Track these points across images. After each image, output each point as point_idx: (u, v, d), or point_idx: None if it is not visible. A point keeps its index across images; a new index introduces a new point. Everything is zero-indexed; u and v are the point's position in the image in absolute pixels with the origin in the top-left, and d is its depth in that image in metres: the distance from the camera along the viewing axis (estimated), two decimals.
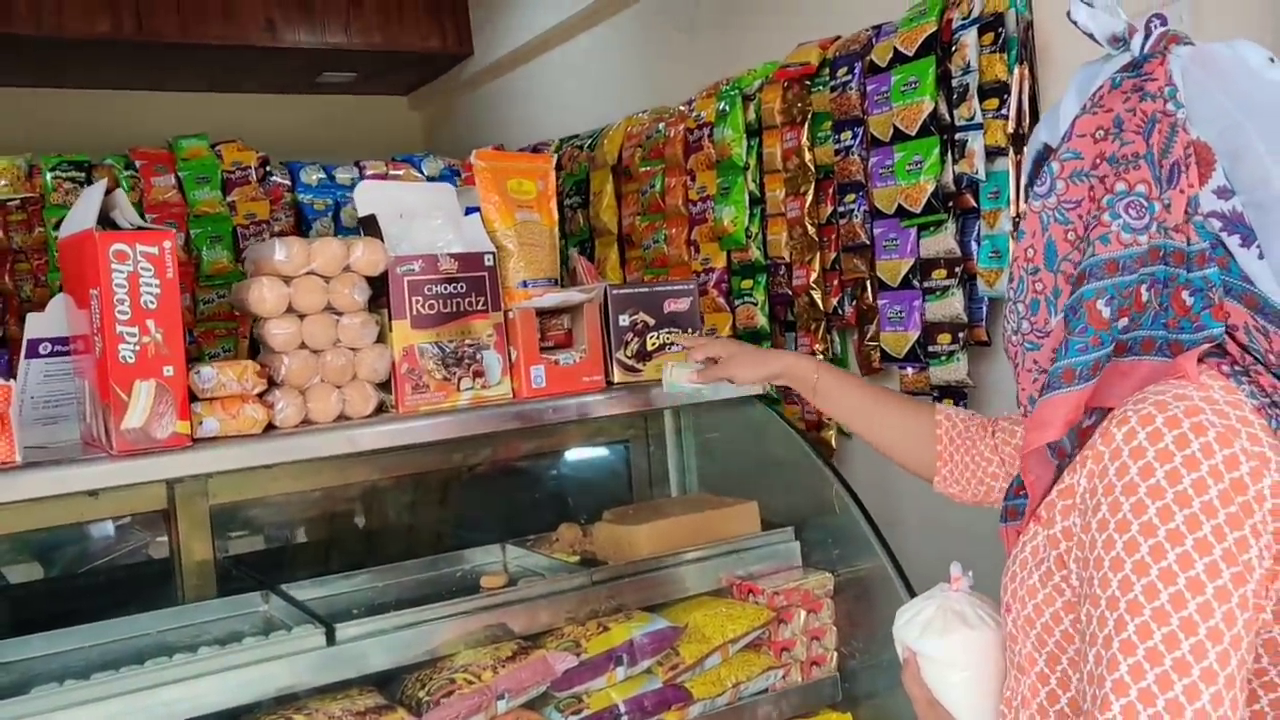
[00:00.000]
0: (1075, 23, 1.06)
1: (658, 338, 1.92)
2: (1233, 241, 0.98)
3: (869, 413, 1.48)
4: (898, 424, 1.47)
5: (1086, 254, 0.98)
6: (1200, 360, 0.98)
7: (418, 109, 5.31)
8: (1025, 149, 1.18)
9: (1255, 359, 0.97)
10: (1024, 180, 1.16)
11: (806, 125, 2.87)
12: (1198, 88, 0.99)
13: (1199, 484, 0.88)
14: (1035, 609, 1.03)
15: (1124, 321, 0.99)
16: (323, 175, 4.09)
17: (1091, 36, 1.06)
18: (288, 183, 4.02)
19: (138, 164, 3.80)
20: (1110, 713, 0.86)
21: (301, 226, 4.06)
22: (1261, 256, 0.97)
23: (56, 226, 3.67)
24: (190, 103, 4.59)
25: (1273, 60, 1.02)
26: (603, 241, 3.70)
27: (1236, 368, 0.97)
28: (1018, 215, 2.35)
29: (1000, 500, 1.42)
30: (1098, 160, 1.00)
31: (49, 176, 3.69)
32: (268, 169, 4.00)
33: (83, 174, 3.73)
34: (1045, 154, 1.08)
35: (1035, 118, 2.35)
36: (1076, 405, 0.97)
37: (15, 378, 1.58)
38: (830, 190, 2.83)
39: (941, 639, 1.16)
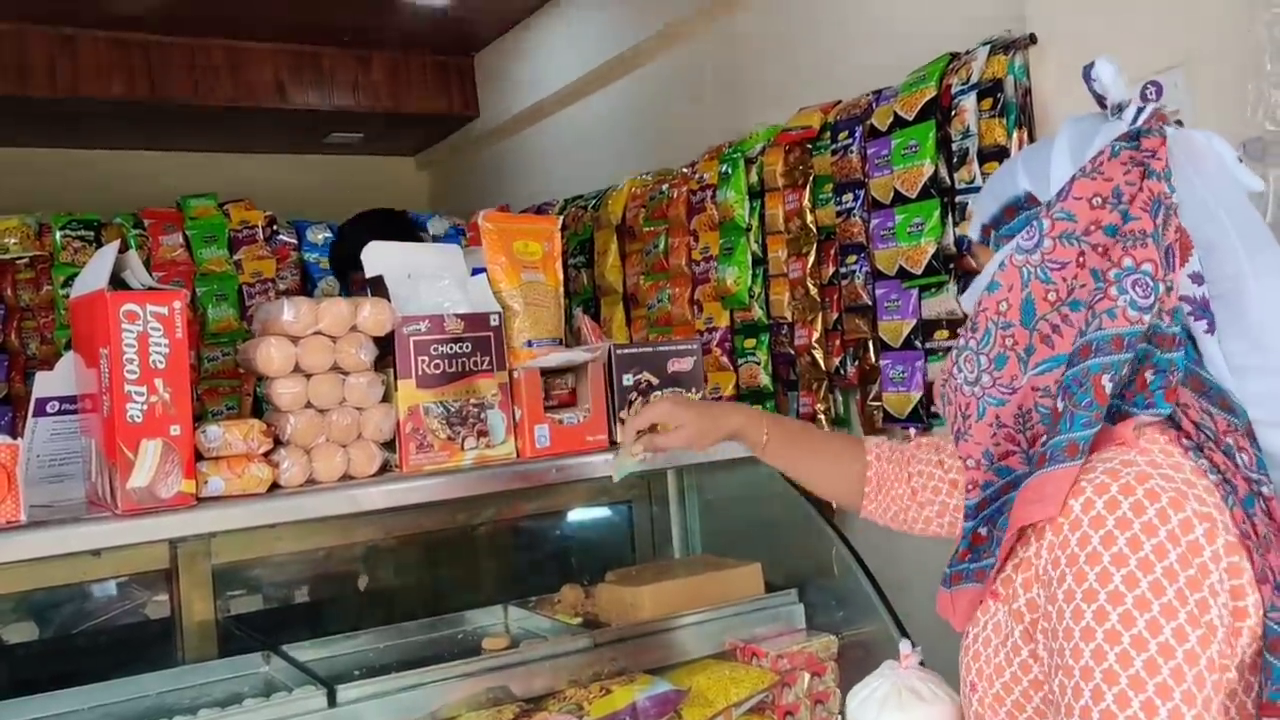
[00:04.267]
0: (1095, 79, 1.06)
1: (661, 397, 1.92)
2: (1198, 327, 1.02)
3: (810, 468, 1.54)
4: (832, 474, 1.52)
5: (1091, 327, 0.98)
6: (1156, 424, 1.00)
7: (424, 169, 5.38)
8: (987, 186, 1.15)
9: (1207, 437, 0.99)
10: (981, 219, 1.14)
11: (808, 187, 2.91)
12: (1180, 174, 1.01)
13: (1159, 549, 0.90)
14: (1004, 686, 1.02)
15: None
16: (329, 234, 4.13)
17: (1102, 99, 1.06)
18: (294, 241, 4.06)
19: (146, 223, 3.85)
20: None
21: (307, 285, 4.10)
22: (1219, 343, 1.00)
23: (65, 285, 3.71)
24: (199, 163, 4.65)
25: (1240, 160, 1.06)
26: (608, 300, 3.72)
27: (1191, 442, 0.99)
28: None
29: (914, 527, 1.48)
30: (1091, 227, 1.01)
31: (58, 235, 3.73)
32: (274, 228, 4.05)
33: (92, 233, 3.78)
34: (1024, 201, 1.08)
35: None
36: (1074, 480, 0.96)
37: (21, 435, 1.58)
38: (832, 251, 2.86)
39: (901, 714, 1.18)
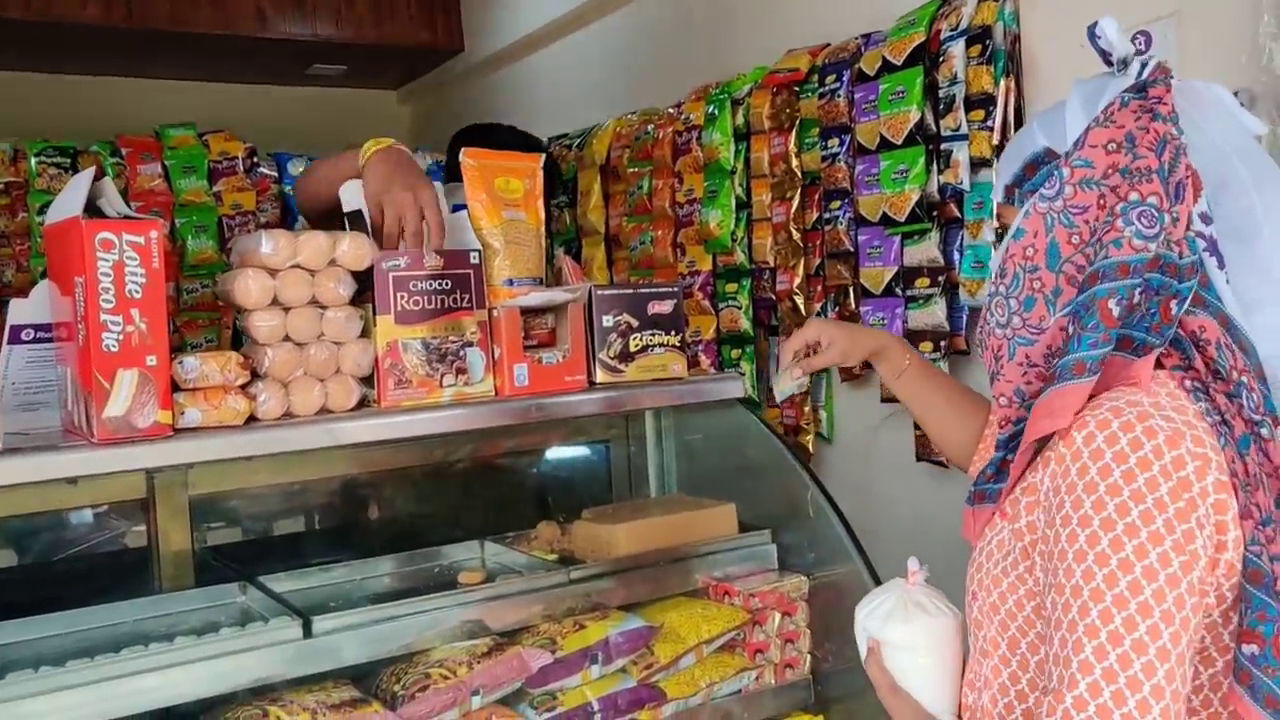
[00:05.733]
0: (1099, 36, 1.12)
1: (641, 339, 1.93)
2: (1211, 263, 1.09)
3: (931, 405, 1.52)
4: (958, 425, 1.51)
5: (1099, 256, 1.04)
6: (1165, 369, 1.07)
7: (407, 104, 5.31)
8: (1008, 149, 1.22)
9: (1218, 374, 1.05)
10: (1004, 180, 1.21)
11: (794, 131, 2.89)
12: (1186, 118, 1.08)
13: (1151, 482, 0.97)
14: (1000, 596, 1.11)
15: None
16: None
17: (1107, 55, 1.12)
18: (274, 174, 4.01)
19: (124, 151, 3.79)
20: (1077, 690, 0.95)
21: (287, 218, 4.06)
22: (1227, 282, 1.08)
23: (40, 212, 3.66)
24: (178, 91, 4.57)
25: (1241, 105, 1.13)
26: (590, 241, 3.71)
27: (1197, 384, 1.06)
28: (1000, 226, 2.37)
29: None
30: (1109, 170, 1.07)
31: (34, 162, 3.68)
32: (255, 160, 4.00)
33: (68, 160, 3.72)
34: (1043, 157, 1.14)
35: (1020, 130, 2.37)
36: (1084, 396, 1.03)
37: None
38: (816, 196, 2.85)
39: (904, 626, 1.23)
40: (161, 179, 3.78)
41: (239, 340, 1.74)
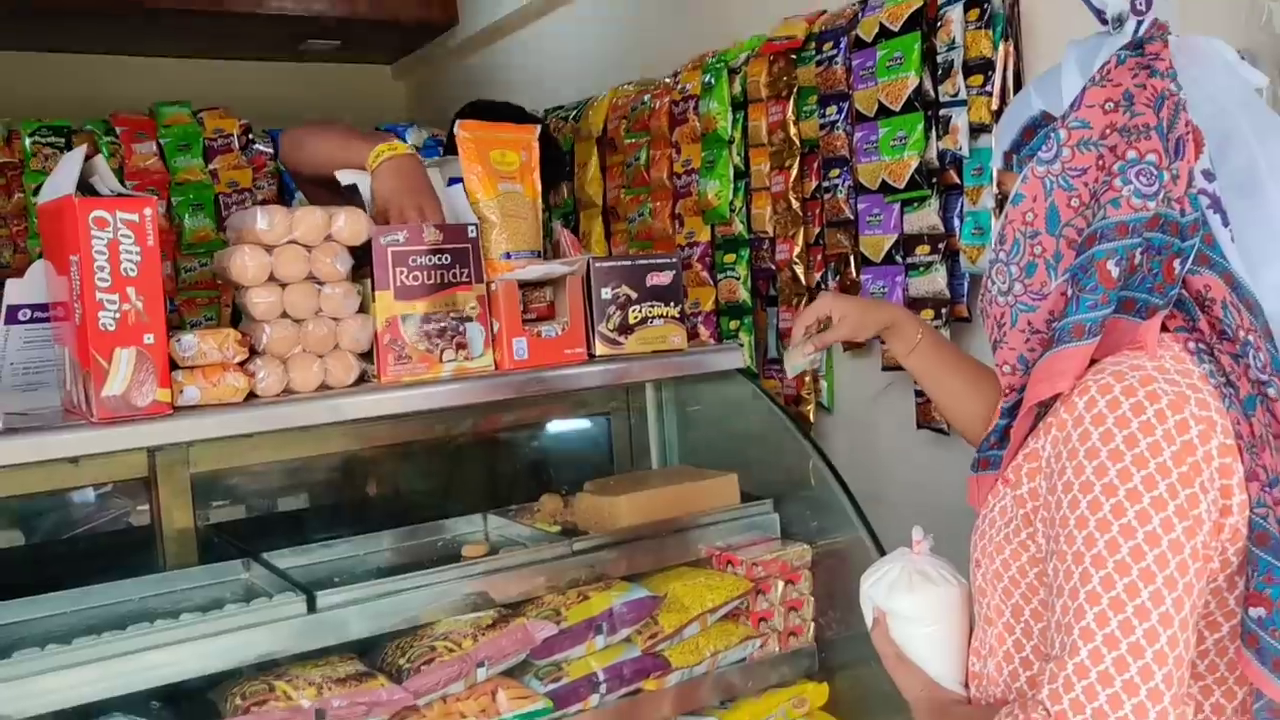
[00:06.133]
0: None
1: (640, 311, 1.92)
2: (1215, 220, 1.07)
3: (945, 381, 1.49)
4: (971, 399, 1.48)
5: (1097, 217, 1.03)
6: (1169, 331, 1.05)
7: (402, 78, 5.28)
8: (1005, 115, 1.21)
9: (1224, 334, 1.04)
10: (1003, 146, 1.20)
11: (792, 99, 2.87)
12: (1185, 74, 1.06)
13: (1154, 447, 0.96)
14: (1003, 563, 1.11)
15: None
16: None
17: (1101, 13, 1.11)
18: (270, 150, 4.00)
19: (118, 130, 3.78)
20: (1079, 657, 0.95)
21: (284, 195, 4.05)
22: (1232, 240, 1.06)
23: (36, 192, 3.64)
24: (172, 68, 4.54)
25: (1242, 59, 1.12)
26: (587, 214, 3.69)
27: (1201, 346, 1.04)
28: (999, 193, 2.36)
29: None
30: (1107, 130, 1.05)
31: (28, 142, 3.67)
32: (250, 137, 3.98)
33: (62, 139, 3.71)
34: (1040, 120, 1.13)
35: None
36: (1085, 359, 1.02)
37: None
38: (815, 165, 2.83)
39: (909, 596, 1.22)
40: (157, 157, 3.77)
41: (238, 319, 1.74)
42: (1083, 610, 0.96)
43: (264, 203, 3.98)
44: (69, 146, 3.69)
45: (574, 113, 3.79)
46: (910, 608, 1.22)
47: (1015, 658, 1.12)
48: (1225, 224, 1.07)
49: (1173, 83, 1.04)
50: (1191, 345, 1.04)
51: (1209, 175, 1.06)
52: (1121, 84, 1.05)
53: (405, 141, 3.92)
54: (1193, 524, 0.96)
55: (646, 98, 3.39)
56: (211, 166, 3.86)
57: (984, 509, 1.16)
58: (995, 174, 1.22)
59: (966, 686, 1.20)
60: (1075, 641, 0.95)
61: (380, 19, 4.53)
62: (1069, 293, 1.05)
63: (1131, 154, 1.02)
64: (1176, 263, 1.03)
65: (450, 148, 2.56)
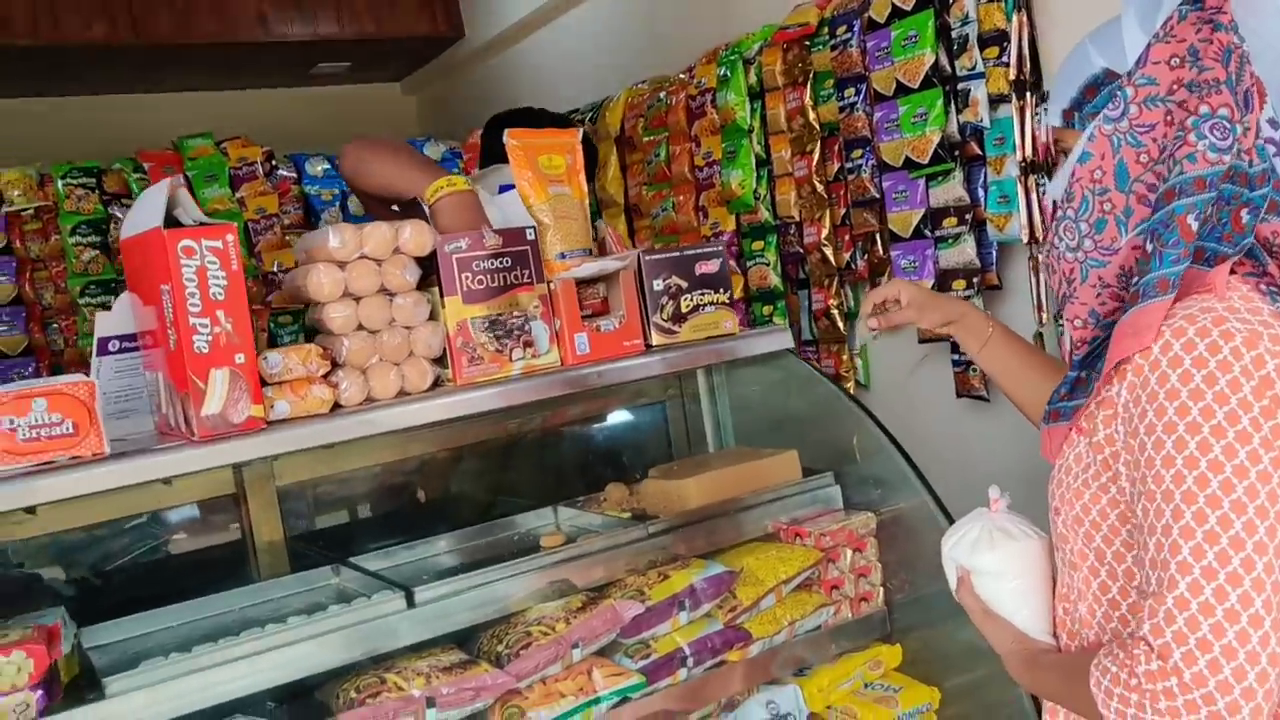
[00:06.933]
0: None
1: (691, 299, 1.99)
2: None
3: (1022, 378, 1.48)
4: (1045, 391, 1.45)
5: (1174, 172, 1.05)
6: (1238, 275, 1.08)
7: (412, 94, 5.35)
8: (1061, 72, 1.21)
9: None
10: (1061, 104, 1.20)
11: (809, 85, 2.93)
12: (1245, 26, 1.08)
13: (1233, 383, 0.99)
14: (1083, 508, 1.14)
15: None
16: (327, 166, 4.14)
17: None
18: (294, 175, 4.07)
19: (146, 166, 3.85)
20: (1178, 590, 0.98)
21: (310, 218, 4.12)
22: None
23: (73, 234, 3.73)
24: (189, 102, 4.62)
25: None
26: (609, 213, 3.76)
27: (1272, 288, 1.07)
28: (1024, 159, 2.42)
29: None
30: (1174, 86, 1.08)
31: (60, 184, 3.74)
32: (273, 163, 4.05)
33: (93, 180, 3.79)
34: (1103, 78, 1.15)
35: (1036, 63, 2.41)
36: (1165, 312, 1.05)
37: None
38: (836, 147, 2.90)
39: (992, 553, 1.26)
40: (185, 190, 3.84)
41: (310, 336, 1.81)
42: (1177, 545, 0.98)
43: (291, 227, 4.06)
44: (100, 187, 3.77)
45: (589, 115, 3.86)
46: (994, 563, 1.25)
47: (1104, 599, 1.15)
48: None
49: (1235, 35, 1.06)
50: (1263, 287, 1.07)
51: (1275, 123, 1.08)
52: (1186, 39, 1.07)
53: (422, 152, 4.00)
54: (1278, 454, 0.98)
55: (662, 94, 3.46)
56: (238, 195, 3.93)
57: (1059, 458, 1.20)
58: (1052, 131, 1.23)
59: (1055, 636, 1.23)
60: (1172, 576, 0.98)
61: (387, 37, 4.61)
62: (1150, 248, 1.07)
63: (1204, 109, 1.04)
64: (1244, 213, 1.06)
65: (489, 155, 2.63)
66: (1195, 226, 1.04)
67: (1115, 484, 1.10)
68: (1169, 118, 1.08)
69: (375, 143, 2.07)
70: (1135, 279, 1.09)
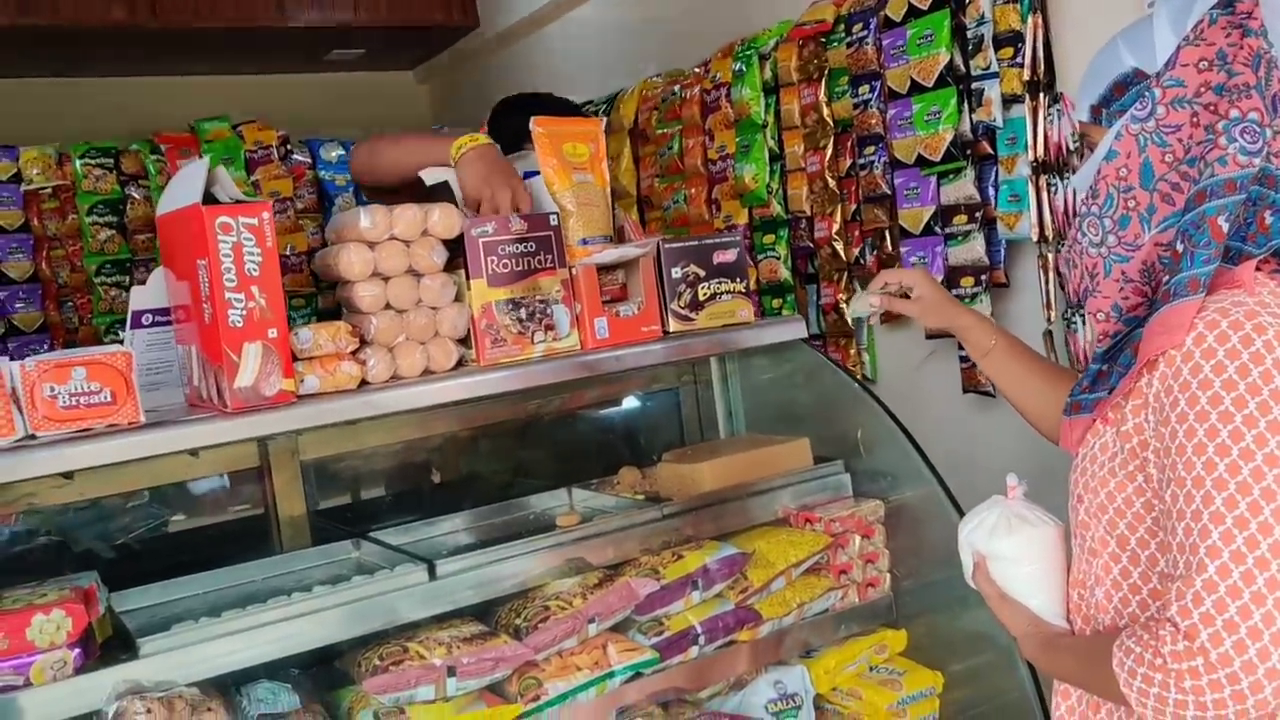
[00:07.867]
0: None
1: (709, 287, 2.03)
2: None
3: (1023, 385, 1.50)
4: (1053, 401, 1.46)
5: (1205, 174, 1.08)
6: (1263, 271, 1.10)
7: (425, 83, 5.38)
8: (1090, 69, 1.23)
9: None
10: (1089, 100, 1.23)
11: (824, 81, 2.97)
12: (1274, 32, 1.11)
13: (1266, 374, 1.02)
14: (1108, 495, 1.16)
15: None
16: (342, 152, 4.18)
17: None
18: (309, 160, 4.12)
19: (163, 148, 3.90)
20: (1206, 573, 1.00)
21: (323, 202, 4.16)
22: None
23: (90, 213, 3.77)
24: (206, 86, 4.65)
25: None
26: (622, 204, 3.79)
27: None
28: (1035, 159, 2.46)
29: None
30: (1201, 89, 1.11)
31: (78, 164, 3.79)
32: (289, 147, 4.09)
33: (111, 160, 3.83)
34: (1132, 77, 1.18)
35: (1050, 65, 2.45)
36: (1195, 310, 1.08)
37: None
38: (849, 144, 2.94)
39: (1009, 538, 1.29)
40: None
41: (336, 315, 1.85)
42: (1207, 530, 1.01)
43: (305, 211, 4.11)
44: (118, 167, 3.82)
45: (603, 106, 3.90)
46: (1011, 549, 1.29)
47: (1123, 584, 1.17)
48: None
49: (1265, 40, 1.09)
50: None
51: None
52: (1215, 43, 1.09)
53: None
54: None
55: (677, 88, 3.50)
56: (254, 178, 3.98)
57: (1082, 448, 1.22)
58: (1079, 126, 1.26)
59: (1069, 620, 1.27)
60: (1201, 559, 1.00)
61: (402, 25, 4.63)
62: (1181, 248, 1.09)
63: (1234, 112, 1.07)
64: (1269, 214, 1.09)
65: (507, 144, 2.67)
66: (1226, 228, 1.07)
67: (1142, 472, 1.13)
68: (1195, 119, 1.11)
69: (386, 134, 2.12)
70: (1165, 278, 1.12)
